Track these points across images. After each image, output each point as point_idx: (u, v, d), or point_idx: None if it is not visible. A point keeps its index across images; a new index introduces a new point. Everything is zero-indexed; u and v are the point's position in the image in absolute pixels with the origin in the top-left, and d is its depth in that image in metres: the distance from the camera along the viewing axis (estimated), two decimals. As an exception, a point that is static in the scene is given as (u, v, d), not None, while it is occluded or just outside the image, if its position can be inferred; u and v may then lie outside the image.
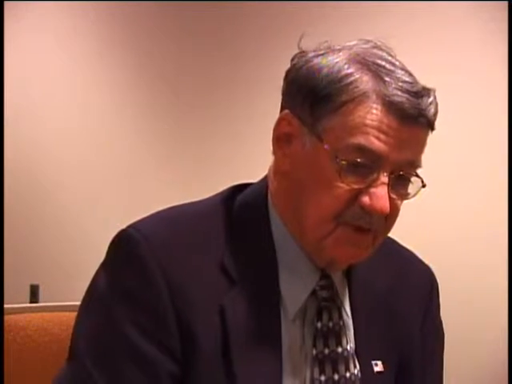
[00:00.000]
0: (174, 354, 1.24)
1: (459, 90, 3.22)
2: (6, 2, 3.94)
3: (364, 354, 1.35)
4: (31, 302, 3.94)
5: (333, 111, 1.24)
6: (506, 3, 3.09)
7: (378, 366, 1.36)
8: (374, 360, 1.36)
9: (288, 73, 1.31)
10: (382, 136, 1.23)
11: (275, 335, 1.29)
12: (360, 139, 1.23)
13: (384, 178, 1.24)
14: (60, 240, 4.16)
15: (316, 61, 1.28)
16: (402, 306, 1.41)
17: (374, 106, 1.23)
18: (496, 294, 3.05)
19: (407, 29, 3.35)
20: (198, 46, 3.86)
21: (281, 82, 1.32)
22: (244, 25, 3.77)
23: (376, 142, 1.23)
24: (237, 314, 1.26)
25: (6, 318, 1.66)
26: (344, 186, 1.24)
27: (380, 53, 1.28)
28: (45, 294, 4.08)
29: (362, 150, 1.23)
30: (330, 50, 1.29)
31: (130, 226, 1.29)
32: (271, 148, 1.32)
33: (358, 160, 1.23)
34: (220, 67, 3.81)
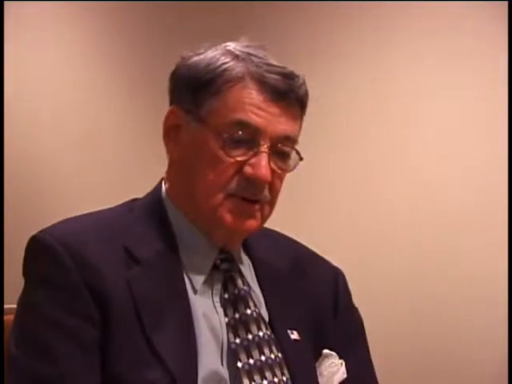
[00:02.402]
0: (93, 321, 1.34)
1: (459, 90, 3.23)
2: (5, 2, 3.94)
3: (279, 324, 1.46)
4: (31, 302, 3.94)
5: (213, 94, 1.41)
6: (506, 3, 3.09)
7: (294, 335, 1.46)
8: (289, 329, 1.46)
9: (172, 74, 1.48)
10: (258, 111, 1.39)
11: (184, 306, 1.39)
12: (239, 115, 1.39)
13: (264, 149, 1.40)
14: (60, 240, 4.15)
15: (196, 58, 1.46)
16: (306, 291, 1.52)
17: (250, 85, 1.40)
18: (496, 294, 3.06)
19: (407, 29, 3.35)
20: (196, 45, 3.85)
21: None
22: (236, 24, 3.77)
23: (253, 117, 1.39)
24: (143, 288, 1.37)
25: (6, 318, 1.66)
26: (228, 159, 1.39)
27: (252, 48, 1.44)
28: (45, 294, 4.07)
29: (241, 124, 1.39)
30: (208, 48, 1.46)
31: (36, 233, 1.43)
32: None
33: (239, 133, 1.39)
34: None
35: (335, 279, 1.58)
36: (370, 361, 1.59)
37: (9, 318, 1.66)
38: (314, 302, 1.52)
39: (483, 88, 3.19)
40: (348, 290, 1.59)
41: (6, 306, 1.74)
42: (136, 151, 4.02)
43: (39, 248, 1.39)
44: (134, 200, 1.53)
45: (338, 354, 1.49)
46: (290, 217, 3.43)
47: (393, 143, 3.35)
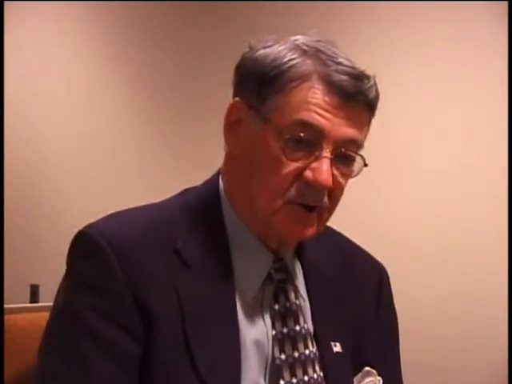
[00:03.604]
0: (133, 333, 1.27)
1: (459, 91, 3.23)
2: (5, 2, 3.94)
3: (322, 335, 1.40)
4: (31, 302, 3.94)
5: (277, 92, 1.33)
6: (506, 3, 3.09)
7: (337, 347, 1.41)
8: (332, 341, 1.41)
9: (238, 65, 1.40)
10: (323, 112, 1.31)
11: (231, 316, 1.33)
12: (302, 115, 1.31)
13: (326, 154, 1.32)
14: (60, 240, 4.15)
15: (262, 51, 1.37)
16: (353, 293, 1.47)
17: (316, 85, 1.32)
18: (496, 294, 3.06)
19: (407, 29, 3.35)
20: (196, 45, 3.86)
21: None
22: (229, 25, 3.77)
23: (317, 118, 1.31)
24: (192, 295, 1.31)
25: (6, 317, 1.66)
26: (289, 163, 1.32)
27: (322, 43, 1.36)
28: (45, 294, 4.07)
29: (304, 125, 1.31)
30: (276, 41, 1.37)
31: (84, 227, 1.34)
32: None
33: (301, 135, 1.31)
34: (213, 68, 3.81)
35: (380, 278, 1.54)
36: (401, 371, 1.55)
37: (9, 317, 1.66)
38: (358, 305, 1.47)
39: (483, 88, 3.19)
40: (390, 291, 1.55)
41: (6, 306, 1.73)
42: (137, 150, 4.02)
43: (88, 246, 1.32)
44: (187, 190, 1.45)
45: (372, 357, 1.45)
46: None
47: (392, 143, 3.35)
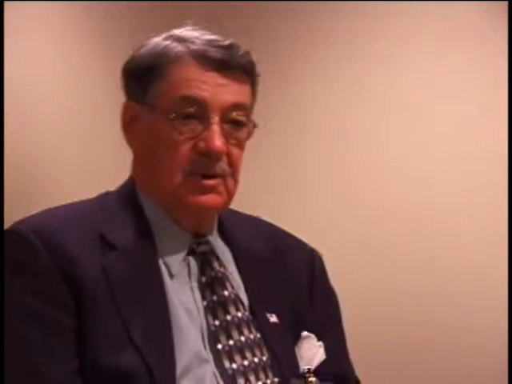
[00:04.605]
0: (67, 307, 1.34)
1: (458, 91, 3.23)
2: (5, 2, 3.93)
3: (257, 307, 1.46)
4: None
5: (157, 78, 1.42)
6: (506, 3, 3.09)
7: (273, 318, 1.46)
8: (268, 313, 1.47)
9: (122, 69, 1.50)
10: (201, 85, 1.40)
11: (159, 292, 1.39)
12: (183, 91, 1.40)
13: (214, 121, 1.39)
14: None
15: (141, 50, 1.47)
16: (284, 274, 1.52)
17: (190, 62, 1.41)
18: (496, 294, 3.06)
19: (406, 29, 3.35)
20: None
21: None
22: (238, 25, 3.76)
23: (197, 91, 1.40)
24: (119, 272, 1.38)
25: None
26: (181, 139, 1.40)
27: (197, 29, 1.46)
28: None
29: (186, 100, 1.40)
30: (153, 37, 1.48)
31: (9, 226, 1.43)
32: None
33: (187, 110, 1.40)
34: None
35: (312, 260, 1.58)
36: (345, 342, 1.59)
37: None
38: (291, 285, 1.52)
39: (483, 88, 3.19)
40: (325, 271, 1.59)
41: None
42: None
43: (12, 238, 1.40)
44: (107, 193, 1.54)
45: (314, 335, 1.49)
46: (287, 215, 3.43)
47: (390, 143, 3.35)
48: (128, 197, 1.48)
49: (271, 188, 3.43)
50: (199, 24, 1.48)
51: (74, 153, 4.20)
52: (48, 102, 4.29)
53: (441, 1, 3.25)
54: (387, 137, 3.35)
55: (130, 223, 1.44)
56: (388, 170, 3.35)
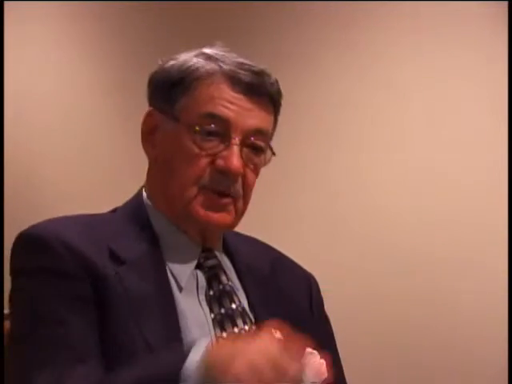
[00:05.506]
0: (94, 303, 1.36)
1: (458, 91, 3.22)
2: (5, 2, 3.93)
3: (262, 323, 1.44)
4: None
5: (185, 92, 1.45)
6: (506, 3, 3.09)
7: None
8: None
9: (149, 79, 1.53)
10: (228, 105, 1.43)
11: (169, 304, 1.41)
12: (209, 108, 1.43)
13: (235, 142, 1.43)
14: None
15: (171, 62, 1.50)
16: (285, 294, 1.55)
17: (220, 81, 1.45)
18: (497, 295, 3.06)
19: (405, 29, 3.35)
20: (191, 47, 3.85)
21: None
22: (236, 26, 3.77)
23: (223, 109, 1.43)
24: (130, 285, 1.39)
25: (6, 323, 1.66)
26: (201, 153, 1.43)
27: (225, 51, 1.49)
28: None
29: (211, 116, 1.43)
30: (183, 53, 1.51)
31: (24, 230, 1.44)
32: None
33: (210, 126, 1.43)
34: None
35: (309, 285, 1.61)
36: (341, 365, 1.61)
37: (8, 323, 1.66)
38: (291, 304, 1.55)
39: (483, 88, 3.19)
40: (321, 297, 1.63)
41: (6, 312, 1.73)
42: (137, 152, 4.01)
43: (29, 241, 1.41)
44: (115, 209, 1.55)
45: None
46: (279, 219, 3.44)
47: (387, 144, 3.35)
48: (136, 210, 1.50)
49: (262, 201, 3.43)
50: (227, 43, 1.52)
51: (73, 154, 4.21)
52: (48, 102, 4.29)
53: (441, 1, 3.25)
54: (385, 141, 3.35)
55: (139, 238, 1.46)
56: (387, 174, 3.35)
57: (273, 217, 3.41)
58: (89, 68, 4.20)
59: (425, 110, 3.28)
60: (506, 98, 3.10)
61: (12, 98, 4.24)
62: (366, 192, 3.36)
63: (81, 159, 4.18)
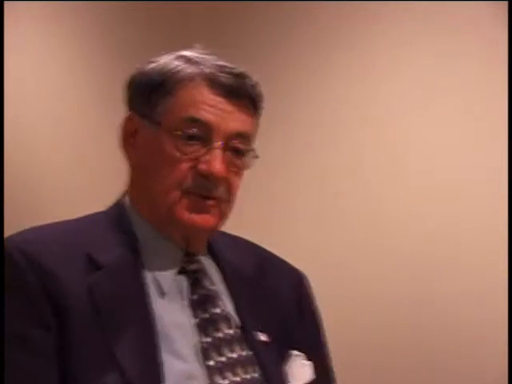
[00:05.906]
0: (49, 327, 1.35)
1: (458, 91, 3.22)
2: (5, 2, 3.94)
3: (248, 326, 1.48)
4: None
5: (166, 95, 1.44)
6: (506, 3, 3.09)
7: (263, 336, 1.48)
8: (258, 331, 1.48)
9: (128, 82, 1.52)
10: (209, 108, 1.43)
11: (145, 311, 1.40)
12: (190, 112, 1.43)
13: (217, 146, 1.43)
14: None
15: (151, 65, 1.50)
16: (272, 294, 1.54)
17: (201, 84, 1.44)
18: (497, 297, 3.05)
19: (405, 29, 3.35)
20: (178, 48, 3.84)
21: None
22: (233, 27, 3.77)
23: (204, 113, 1.42)
24: (105, 294, 1.39)
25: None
26: (183, 158, 1.42)
27: (207, 53, 1.49)
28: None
29: (193, 120, 1.43)
30: (163, 56, 1.51)
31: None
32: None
33: (192, 130, 1.42)
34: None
35: (299, 282, 1.60)
36: (331, 364, 1.60)
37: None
38: (279, 303, 1.54)
39: (482, 89, 3.19)
40: (312, 295, 1.62)
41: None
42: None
43: (6, 258, 1.41)
44: (96, 213, 1.55)
45: (303, 354, 1.51)
46: (277, 220, 3.43)
47: (385, 145, 3.34)
48: (117, 216, 1.50)
49: (255, 201, 3.43)
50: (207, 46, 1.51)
51: (70, 158, 4.21)
52: (47, 103, 4.29)
53: (440, 1, 3.25)
54: (385, 142, 3.34)
55: (118, 242, 1.45)
56: (386, 175, 3.35)
57: (270, 218, 3.40)
58: (89, 67, 4.20)
59: (425, 111, 3.28)
60: (506, 99, 3.09)
61: (12, 98, 4.25)
62: (364, 193, 3.36)
63: (76, 159, 4.19)
